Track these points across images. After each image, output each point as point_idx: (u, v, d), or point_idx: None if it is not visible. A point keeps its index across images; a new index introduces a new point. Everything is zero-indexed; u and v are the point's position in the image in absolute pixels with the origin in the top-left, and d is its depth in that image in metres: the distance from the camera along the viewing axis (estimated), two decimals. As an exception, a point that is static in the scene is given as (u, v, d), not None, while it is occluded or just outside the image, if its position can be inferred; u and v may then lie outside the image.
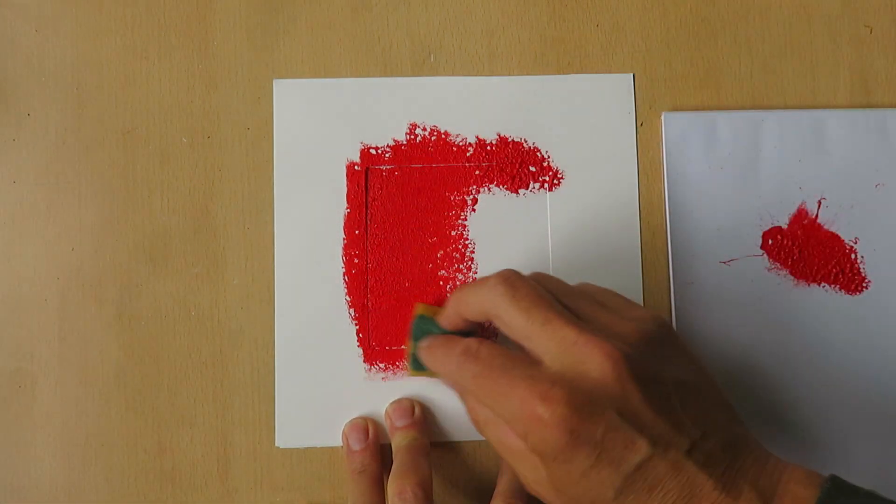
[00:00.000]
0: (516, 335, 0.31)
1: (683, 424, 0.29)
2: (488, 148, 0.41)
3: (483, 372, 0.31)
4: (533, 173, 0.41)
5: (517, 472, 0.32)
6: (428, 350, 0.35)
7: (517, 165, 0.41)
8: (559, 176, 0.40)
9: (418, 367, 0.36)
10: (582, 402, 0.28)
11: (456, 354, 0.32)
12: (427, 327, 0.36)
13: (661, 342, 0.31)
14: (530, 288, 0.31)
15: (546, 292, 0.31)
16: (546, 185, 0.41)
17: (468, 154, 0.40)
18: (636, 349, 0.30)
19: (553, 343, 0.30)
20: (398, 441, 0.37)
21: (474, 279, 0.40)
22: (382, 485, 0.36)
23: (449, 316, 0.35)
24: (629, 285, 0.40)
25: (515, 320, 0.31)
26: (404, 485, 0.34)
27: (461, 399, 0.34)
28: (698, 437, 0.29)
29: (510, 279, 0.32)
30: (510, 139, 0.41)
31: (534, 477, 0.30)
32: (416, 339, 0.36)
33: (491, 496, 0.36)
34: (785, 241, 0.40)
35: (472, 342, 0.32)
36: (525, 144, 0.41)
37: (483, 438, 0.39)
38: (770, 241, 0.40)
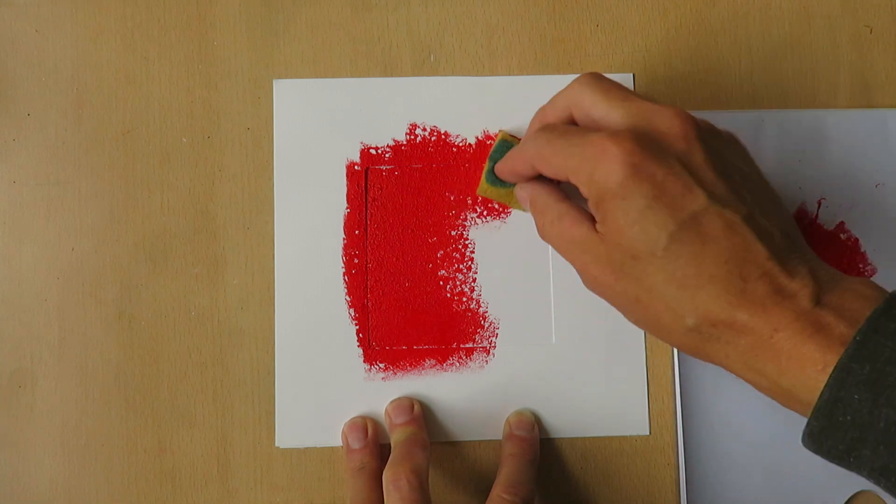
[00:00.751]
0: (595, 114, 0.32)
1: (742, 195, 0.30)
2: (488, 148, 0.41)
3: (556, 135, 0.32)
4: (533, 173, 0.41)
5: (577, 266, 0.32)
6: (503, 159, 0.37)
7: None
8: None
9: (493, 181, 0.38)
10: (647, 143, 0.29)
11: (531, 132, 0.34)
12: (509, 149, 0.37)
13: (730, 142, 0.33)
14: (612, 81, 0.33)
15: None
16: (546, 185, 0.41)
17: (468, 154, 0.40)
18: (706, 128, 0.31)
19: (628, 112, 0.31)
20: (397, 436, 0.37)
21: (475, 278, 0.40)
22: (381, 482, 0.36)
23: (532, 128, 0.36)
24: (629, 285, 0.40)
25: (596, 100, 0.32)
26: (399, 472, 0.34)
27: (533, 205, 0.35)
28: (756, 211, 0.30)
29: (595, 74, 0.33)
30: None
31: (592, 258, 0.31)
32: (495, 160, 0.38)
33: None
34: (785, 241, 0.40)
35: (548, 122, 0.34)
36: (525, 144, 0.41)
37: (483, 439, 0.39)
38: (770, 241, 0.40)
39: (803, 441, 0.28)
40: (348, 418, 0.39)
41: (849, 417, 0.26)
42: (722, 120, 0.40)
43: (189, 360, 0.39)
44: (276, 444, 0.39)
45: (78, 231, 0.40)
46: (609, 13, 0.42)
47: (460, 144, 0.40)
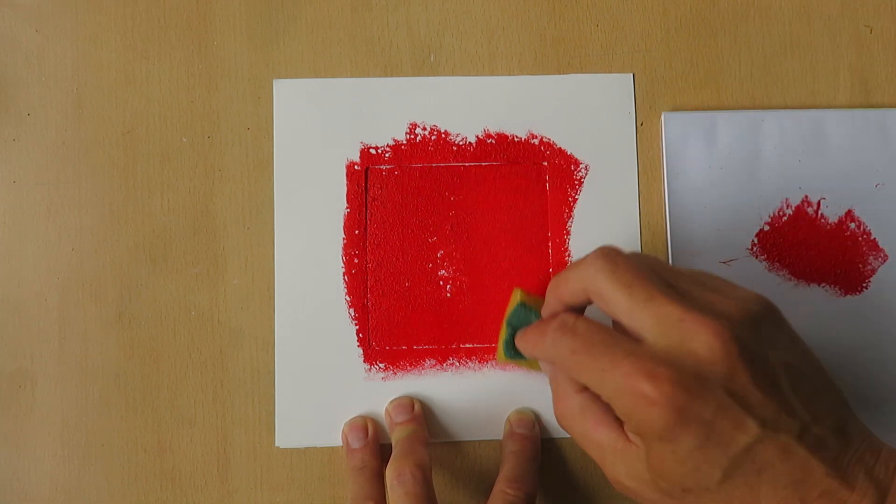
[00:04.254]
0: (617, 312, 0.30)
1: (793, 407, 0.28)
2: (488, 148, 0.41)
3: (582, 347, 0.29)
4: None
5: (605, 470, 0.30)
6: (523, 335, 0.34)
7: (517, 165, 0.41)
8: (559, 176, 0.41)
9: (512, 355, 0.35)
10: (690, 381, 0.27)
11: (551, 330, 0.31)
12: (527, 316, 0.35)
13: (767, 323, 0.30)
14: (631, 263, 0.30)
15: (648, 268, 0.30)
16: (546, 185, 0.41)
17: (468, 154, 0.40)
18: (743, 329, 0.28)
19: (656, 320, 0.28)
20: (398, 434, 0.37)
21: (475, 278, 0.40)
22: (382, 479, 0.36)
23: (549, 303, 0.33)
24: (629, 285, 0.40)
25: (616, 296, 0.29)
26: (402, 467, 0.34)
27: (552, 384, 0.32)
28: (809, 421, 0.28)
29: (610, 254, 0.30)
30: (510, 139, 0.41)
31: (626, 471, 0.29)
32: (513, 326, 0.35)
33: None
34: (785, 241, 0.40)
35: (567, 316, 0.31)
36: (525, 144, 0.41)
37: (484, 438, 0.39)
38: (770, 241, 0.40)
39: None
40: (348, 418, 0.39)
41: None
42: (722, 120, 0.40)
43: (189, 360, 0.39)
44: (276, 444, 0.39)
45: (78, 231, 0.40)
46: (609, 13, 0.42)
47: (460, 144, 0.40)
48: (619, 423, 0.29)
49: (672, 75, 0.41)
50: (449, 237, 0.40)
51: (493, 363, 0.39)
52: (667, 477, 0.28)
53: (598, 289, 0.30)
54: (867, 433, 0.29)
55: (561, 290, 0.32)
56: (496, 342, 0.40)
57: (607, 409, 0.30)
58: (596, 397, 0.30)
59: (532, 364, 0.36)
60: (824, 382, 0.30)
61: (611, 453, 0.30)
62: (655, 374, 0.27)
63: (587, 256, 0.31)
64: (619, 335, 0.29)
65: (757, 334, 0.29)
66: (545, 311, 0.34)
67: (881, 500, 0.27)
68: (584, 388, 0.31)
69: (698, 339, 0.28)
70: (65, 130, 0.40)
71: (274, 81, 0.41)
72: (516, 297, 0.36)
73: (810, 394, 0.29)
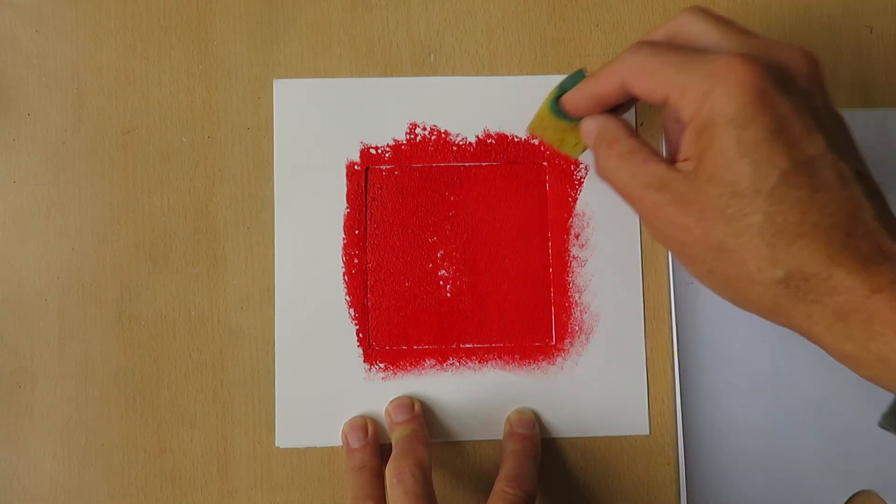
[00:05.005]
0: (706, 42, 0.30)
1: (856, 153, 0.28)
2: (488, 148, 0.41)
3: (665, 49, 0.29)
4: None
5: (647, 213, 0.30)
6: (583, 83, 0.33)
7: (517, 165, 0.41)
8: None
9: (557, 112, 0.34)
10: (776, 75, 0.27)
11: (630, 47, 0.30)
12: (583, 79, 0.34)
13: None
14: (720, 16, 0.30)
15: None
16: (546, 185, 0.41)
17: (468, 154, 0.40)
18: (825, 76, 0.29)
19: (747, 44, 0.29)
20: (398, 434, 0.37)
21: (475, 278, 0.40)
22: (382, 479, 0.36)
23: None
24: (629, 285, 0.40)
25: (708, 29, 0.30)
26: (402, 466, 0.34)
27: (598, 139, 0.32)
28: (866, 172, 0.28)
29: (701, 6, 0.31)
30: (510, 139, 0.41)
31: (670, 198, 0.29)
32: (564, 88, 0.34)
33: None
34: (785, 241, 0.40)
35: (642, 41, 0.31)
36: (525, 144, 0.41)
37: (484, 438, 0.39)
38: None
39: (886, 417, 0.26)
40: (348, 418, 0.39)
41: None
42: (722, 120, 0.40)
43: (189, 360, 0.39)
44: (276, 444, 0.39)
45: (78, 231, 0.40)
46: (609, 13, 0.42)
47: (460, 144, 0.40)
48: (668, 161, 0.30)
49: (672, 75, 0.41)
50: (449, 237, 0.40)
51: (525, 133, 0.36)
52: (720, 177, 0.27)
53: (686, 29, 0.30)
54: None
55: (652, 34, 0.32)
56: (496, 342, 0.40)
57: (656, 150, 0.30)
58: (646, 142, 0.31)
59: (566, 136, 0.35)
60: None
61: (656, 184, 0.29)
62: (749, 56, 0.27)
63: (678, 14, 0.31)
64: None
65: (829, 97, 0.29)
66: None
67: None
68: (634, 135, 0.31)
69: (786, 53, 0.28)
70: (65, 130, 0.40)
71: (274, 81, 0.41)
72: (576, 71, 0.34)
73: (859, 152, 0.29)
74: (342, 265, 0.40)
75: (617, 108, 0.34)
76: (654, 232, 0.30)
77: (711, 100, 0.27)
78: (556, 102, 0.34)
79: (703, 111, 0.28)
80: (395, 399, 0.39)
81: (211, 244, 0.40)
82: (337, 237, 0.40)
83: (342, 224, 0.40)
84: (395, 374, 0.39)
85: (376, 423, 0.39)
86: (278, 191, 0.40)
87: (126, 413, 0.39)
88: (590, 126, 0.33)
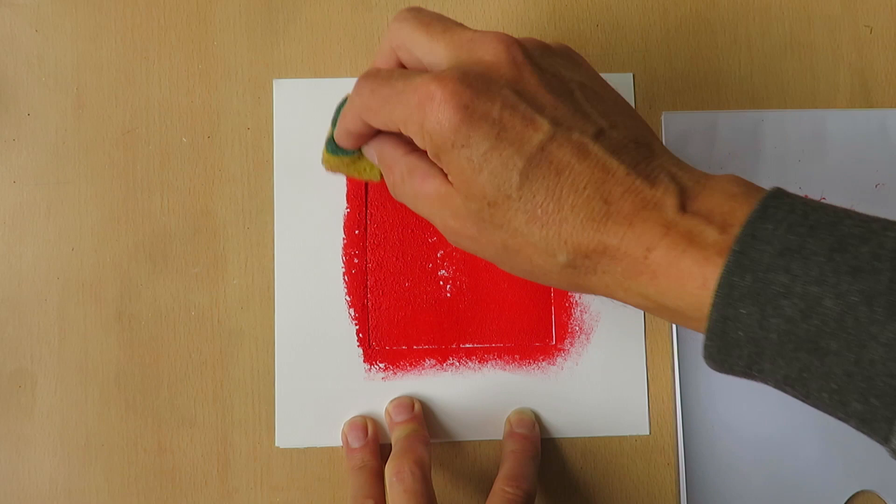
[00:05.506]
0: (418, 53, 0.30)
1: (588, 113, 0.28)
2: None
3: (381, 83, 0.29)
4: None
5: (436, 223, 0.30)
6: (339, 120, 0.33)
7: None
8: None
9: (333, 149, 0.34)
10: (475, 80, 0.27)
11: (356, 83, 0.30)
12: None
13: (563, 54, 0.30)
14: (434, 12, 0.31)
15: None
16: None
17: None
18: (534, 47, 0.29)
19: (451, 45, 0.29)
20: (398, 433, 0.37)
21: (475, 278, 0.40)
22: (382, 479, 0.36)
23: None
24: (629, 285, 0.40)
25: (417, 37, 0.30)
26: (402, 464, 0.34)
27: (381, 163, 0.32)
28: (605, 126, 0.28)
29: (414, 7, 0.31)
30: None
31: (451, 211, 0.29)
32: (335, 124, 0.34)
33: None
34: (785, 241, 0.40)
35: (372, 67, 0.31)
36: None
37: (484, 438, 0.39)
38: (770, 241, 0.40)
39: (704, 359, 0.26)
40: (348, 418, 0.39)
41: (741, 333, 0.24)
42: (722, 120, 0.40)
43: (189, 360, 0.39)
44: (276, 444, 0.39)
45: (78, 231, 0.40)
46: (609, 13, 0.42)
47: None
48: (444, 173, 0.29)
49: (672, 75, 0.41)
50: (449, 237, 0.40)
51: (325, 168, 0.36)
52: (472, 193, 0.28)
53: (401, 39, 0.30)
54: (677, 158, 0.28)
55: (377, 59, 0.32)
56: (496, 342, 0.40)
57: (432, 163, 0.30)
58: (422, 156, 0.30)
59: (355, 164, 0.35)
60: (626, 108, 0.30)
61: (437, 201, 0.29)
62: (442, 76, 0.27)
63: (394, 17, 0.31)
64: (419, 70, 0.30)
65: (548, 55, 0.29)
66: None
67: (684, 201, 0.26)
68: (411, 151, 0.31)
69: (485, 48, 0.28)
70: (65, 130, 0.40)
71: (274, 81, 0.41)
72: (343, 98, 0.34)
73: (608, 109, 0.29)
74: (342, 265, 0.40)
75: None
76: (453, 242, 0.31)
77: (427, 129, 0.27)
78: (331, 142, 0.34)
79: (427, 141, 0.28)
80: (395, 399, 0.39)
81: (211, 244, 0.40)
82: (337, 237, 0.40)
83: (342, 224, 0.40)
84: (395, 374, 0.39)
85: (376, 423, 0.39)
86: (278, 191, 0.40)
87: (126, 413, 0.39)
88: (369, 153, 0.33)
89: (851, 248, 0.23)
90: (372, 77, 0.30)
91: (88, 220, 0.40)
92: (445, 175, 0.29)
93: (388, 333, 0.40)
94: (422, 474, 0.34)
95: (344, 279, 0.40)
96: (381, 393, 0.39)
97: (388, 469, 0.34)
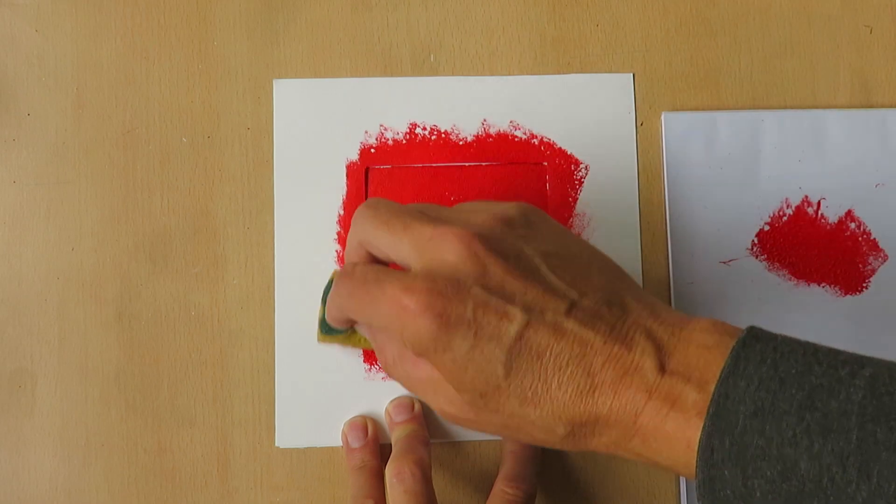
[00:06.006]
0: (385, 251, 0.31)
1: (556, 288, 0.28)
2: (488, 148, 0.41)
3: (356, 285, 0.30)
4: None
5: (432, 405, 0.31)
6: (327, 304, 0.34)
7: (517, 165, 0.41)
8: (559, 176, 0.41)
9: (327, 330, 0.36)
10: (443, 286, 0.28)
11: (335, 281, 0.32)
12: None
13: (523, 223, 0.31)
14: (390, 204, 0.31)
15: (409, 207, 0.31)
16: (546, 185, 0.41)
17: (468, 153, 0.40)
18: (492, 230, 0.29)
19: (413, 245, 0.29)
20: (398, 433, 0.37)
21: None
22: (382, 479, 0.36)
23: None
24: (629, 285, 0.40)
25: (380, 236, 0.31)
26: (402, 465, 0.34)
27: (372, 343, 0.33)
28: (576, 298, 0.28)
29: (371, 201, 0.32)
30: (510, 139, 0.41)
31: (444, 397, 0.30)
32: (325, 303, 0.35)
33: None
34: (785, 241, 0.40)
35: (348, 264, 0.32)
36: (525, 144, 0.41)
37: (484, 438, 0.39)
38: (770, 241, 0.40)
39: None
40: (348, 418, 0.39)
41: (728, 492, 0.25)
42: (722, 120, 0.40)
43: (189, 360, 0.39)
44: (276, 444, 0.39)
45: (78, 231, 0.40)
46: (609, 13, 0.42)
47: (460, 144, 0.40)
48: None
49: (672, 75, 0.41)
50: (449, 237, 0.40)
51: (319, 342, 0.38)
52: (462, 387, 0.28)
53: (366, 237, 0.31)
54: (651, 302, 0.29)
55: (348, 255, 0.33)
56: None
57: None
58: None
59: (349, 339, 0.36)
60: (595, 263, 0.30)
61: (430, 386, 0.30)
62: (412, 286, 0.28)
63: (354, 213, 0.32)
64: (392, 270, 0.30)
65: (508, 232, 0.30)
66: None
67: (662, 360, 0.27)
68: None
69: (446, 248, 0.29)
70: (65, 130, 0.40)
71: (274, 81, 0.41)
72: (331, 276, 0.36)
73: (575, 274, 0.29)
74: (342, 265, 0.40)
75: None
76: (451, 422, 0.32)
77: (407, 338, 0.28)
78: (324, 323, 0.36)
79: (409, 346, 0.29)
80: (395, 399, 0.39)
81: (211, 244, 0.40)
82: (337, 237, 0.40)
83: (342, 224, 0.40)
84: (395, 374, 0.39)
85: (376, 423, 0.39)
86: (278, 191, 0.40)
87: (126, 413, 0.39)
88: (361, 330, 0.34)
89: (820, 405, 0.24)
90: (347, 278, 0.31)
91: (88, 220, 0.40)
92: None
93: (388, 333, 0.40)
94: (422, 475, 0.34)
95: (344, 279, 0.40)
96: (381, 393, 0.39)
97: (389, 470, 0.34)
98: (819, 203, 0.41)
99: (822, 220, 0.41)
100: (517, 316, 0.28)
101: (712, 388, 0.26)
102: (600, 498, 0.39)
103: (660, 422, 0.26)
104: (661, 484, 0.39)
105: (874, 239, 0.41)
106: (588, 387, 0.27)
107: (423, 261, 0.29)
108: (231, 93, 0.41)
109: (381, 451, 0.38)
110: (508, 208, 0.31)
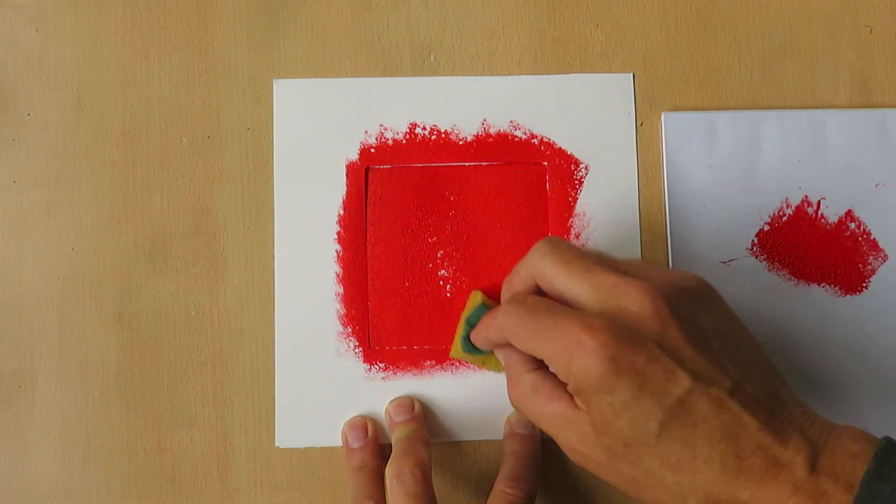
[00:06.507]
0: (559, 287, 0.31)
1: (724, 365, 0.29)
2: (488, 148, 0.41)
3: (529, 314, 0.31)
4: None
5: (560, 442, 0.31)
6: (479, 324, 0.35)
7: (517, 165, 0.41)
8: (559, 176, 0.41)
9: (469, 349, 0.37)
10: (623, 332, 0.28)
11: (504, 304, 0.33)
12: (485, 312, 0.36)
13: (699, 295, 0.31)
14: (572, 245, 0.32)
15: (588, 250, 0.32)
16: (546, 185, 0.41)
17: (468, 153, 0.40)
18: (673, 294, 0.30)
19: (594, 289, 0.30)
20: (398, 434, 0.37)
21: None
22: (382, 479, 0.36)
23: (503, 298, 0.35)
24: (629, 285, 0.40)
25: (558, 273, 0.31)
26: (402, 466, 0.34)
27: (507, 370, 0.34)
28: (740, 379, 0.29)
29: (552, 240, 0.32)
30: (510, 139, 0.41)
31: (577, 437, 0.30)
32: (471, 324, 0.37)
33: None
34: (785, 241, 0.40)
35: (519, 293, 0.33)
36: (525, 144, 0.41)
37: (484, 438, 0.39)
38: (770, 241, 0.40)
39: None
40: (348, 418, 0.39)
41: None
42: (722, 120, 0.40)
43: (189, 360, 0.39)
44: (276, 444, 0.39)
45: (78, 231, 0.40)
46: (609, 13, 0.42)
47: (460, 144, 0.40)
48: (570, 395, 0.30)
49: (672, 75, 0.41)
50: (449, 237, 0.40)
51: (451, 356, 0.39)
52: (608, 432, 0.29)
53: (542, 271, 0.32)
54: (803, 404, 0.30)
55: (512, 283, 0.34)
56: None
57: (557, 383, 0.31)
58: (547, 374, 0.32)
59: (486, 361, 0.38)
60: (757, 352, 0.31)
61: (563, 423, 0.30)
62: (592, 325, 0.29)
63: (533, 248, 0.33)
64: (564, 306, 0.31)
65: (687, 301, 0.30)
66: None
67: (813, 460, 0.27)
68: (537, 368, 0.32)
69: (631, 299, 0.29)
70: (65, 130, 0.40)
71: (274, 81, 0.41)
72: (476, 298, 0.38)
73: (741, 358, 0.30)
74: (342, 265, 0.40)
75: None
76: (576, 461, 0.31)
77: (573, 372, 0.29)
78: (467, 340, 0.37)
79: (570, 380, 0.29)
80: (395, 399, 0.39)
81: (211, 244, 0.40)
82: (336, 237, 0.40)
83: (342, 224, 0.40)
84: (395, 374, 0.39)
85: (376, 423, 0.39)
86: (278, 191, 0.40)
87: (126, 413, 0.39)
88: (500, 358, 0.35)
89: None
90: (521, 306, 0.32)
91: (88, 220, 0.40)
92: (571, 398, 0.30)
93: (388, 333, 0.40)
94: (422, 475, 0.34)
95: (343, 279, 0.40)
96: (381, 393, 0.39)
97: (389, 470, 0.34)
98: (819, 203, 0.41)
99: (822, 220, 0.41)
100: (684, 380, 0.28)
101: (857, 490, 0.26)
102: (600, 498, 0.39)
103: None
104: (661, 484, 0.39)
105: (874, 239, 0.41)
106: (735, 468, 0.28)
107: (603, 305, 0.30)
108: (231, 93, 0.41)
109: (381, 451, 0.38)
110: (688, 279, 0.32)
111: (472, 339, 0.36)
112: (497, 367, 0.38)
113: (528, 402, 0.32)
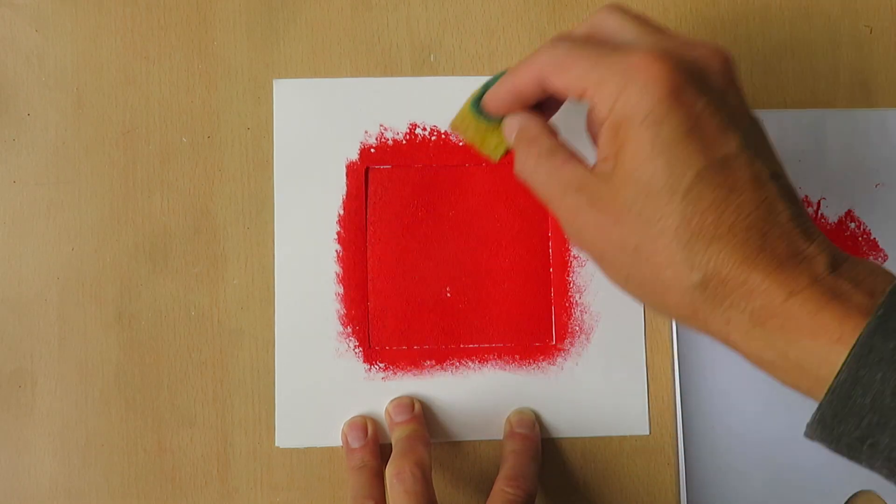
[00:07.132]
0: (624, 37, 0.29)
1: (770, 153, 0.28)
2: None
3: (582, 43, 0.29)
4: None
5: (563, 215, 0.29)
6: (503, 77, 0.32)
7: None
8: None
9: (478, 112, 0.33)
10: (690, 72, 0.27)
11: (549, 41, 0.30)
12: None
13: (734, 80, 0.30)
14: (637, 13, 0.30)
15: None
16: (546, 185, 0.41)
17: (468, 154, 0.40)
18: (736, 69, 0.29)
19: (665, 39, 0.29)
20: (398, 433, 0.37)
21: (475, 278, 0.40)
22: (382, 479, 0.36)
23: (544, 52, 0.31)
24: (629, 285, 0.40)
25: (626, 25, 0.30)
26: (402, 465, 0.34)
27: (519, 137, 0.32)
28: (780, 171, 0.28)
29: (618, 3, 0.31)
30: (510, 139, 0.41)
31: (587, 201, 0.28)
32: (488, 86, 0.33)
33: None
34: (785, 241, 0.40)
35: (565, 33, 0.30)
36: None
37: (484, 438, 0.39)
38: (770, 241, 0.40)
39: (811, 427, 0.25)
40: (348, 418, 0.39)
41: (868, 399, 0.24)
42: (722, 120, 0.40)
43: (189, 360, 0.39)
44: (276, 444, 0.39)
45: (78, 231, 0.40)
46: (609, 13, 0.42)
47: (460, 144, 0.40)
48: (586, 163, 0.29)
49: (672, 75, 0.41)
50: (449, 237, 0.40)
51: (449, 130, 0.36)
52: (634, 177, 0.27)
53: (604, 24, 0.30)
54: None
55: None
56: (496, 342, 0.40)
57: (573, 152, 0.30)
58: (563, 143, 0.30)
59: (486, 138, 0.34)
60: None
61: (574, 187, 0.29)
62: (662, 54, 0.27)
63: (596, 11, 0.31)
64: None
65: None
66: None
67: (835, 262, 0.26)
68: (556, 134, 0.31)
69: (703, 52, 0.28)
70: (65, 130, 0.40)
71: (274, 81, 0.41)
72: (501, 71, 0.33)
73: (779, 160, 0.29)
74: (342, 265, 0.40)
75: (544, 110, 0.33)
76: (573, 236, 0.30)
77: (625, 96, 0.27)
78: (478, 101, 0.33)
79: (617, 107, 0.27)
80: (395, 399, 0.39)
81: (211, 244, 0.40)
82: (337, 237, 0.40)
83: (342, 224, 0.40)
84: (395, 374, 0.39)
85: (376, 423, 0.39)
86: (278, 191, 0.40)
87: (126, 413, 0.39)
88: (511, 124, 0.32)
89: None
90: (570, 37, 0.30)
91: (88, 220, 0.40)
92: (587, 164, 0.29)
93: (388, 333, 0.40)
94: (422, 475, 0.34)
95: (344, 279, 0.40)
96: (381, 393, 0.39)
97: (389, 470, 0.34)
98: (819, 203, 0.41)
99: (822, 220, 0.41)
100: (734, 142, 0.27)
101: (881, 299, 0.25)
102: (600, 498, 0.39)
103: (814, 308, 0.25)
104: (662, 484, 0.39)
105: (874, 239, 0.41)
106: (756, 247, 0.26)
107: (672, 47, 0.28)
108: (231, 93, 0.41)
109: (381, 451, 0.38)
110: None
111: (488, 98, 0.33)
112: (496, 149, 0.34)
113: (540, 163, 0.30)
